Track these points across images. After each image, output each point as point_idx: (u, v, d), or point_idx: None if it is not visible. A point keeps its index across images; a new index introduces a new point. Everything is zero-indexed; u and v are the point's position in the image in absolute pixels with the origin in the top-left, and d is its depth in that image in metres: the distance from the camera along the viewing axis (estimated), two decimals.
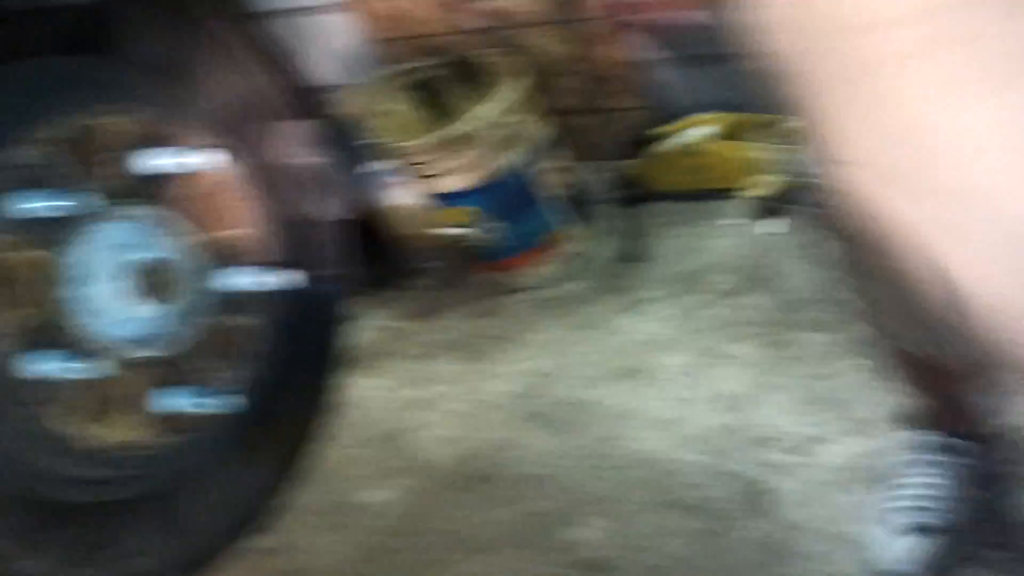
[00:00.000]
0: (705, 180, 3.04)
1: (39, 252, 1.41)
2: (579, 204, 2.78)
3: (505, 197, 2.60)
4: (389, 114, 2.70)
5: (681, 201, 2.84)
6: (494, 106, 2.54)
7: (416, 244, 2.64)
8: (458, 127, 2.54)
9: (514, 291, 2.68)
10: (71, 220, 1.43)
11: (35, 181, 1.42)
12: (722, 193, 2.80)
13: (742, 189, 2.85)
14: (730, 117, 3.18)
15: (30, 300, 1.39)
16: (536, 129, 2.66)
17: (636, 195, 2.84)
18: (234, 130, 1.57)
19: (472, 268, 2.73)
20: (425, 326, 2.67)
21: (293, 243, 1.59)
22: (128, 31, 1.49)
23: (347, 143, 2.24)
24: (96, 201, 1.42)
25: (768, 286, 2.48)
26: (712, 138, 3.03)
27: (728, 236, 2.72)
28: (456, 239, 2.62)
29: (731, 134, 3.13)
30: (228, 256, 1.53)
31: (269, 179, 1.60)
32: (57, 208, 1.40)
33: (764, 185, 2.82)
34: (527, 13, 2.83)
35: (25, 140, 1.41)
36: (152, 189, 1.48)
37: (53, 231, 1.42)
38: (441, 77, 2.79)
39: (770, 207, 2.67)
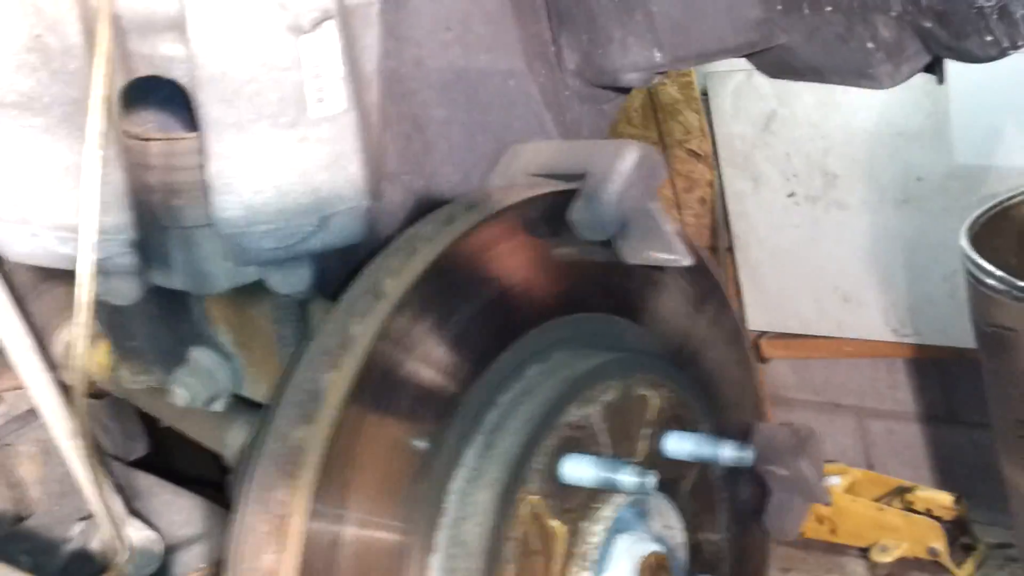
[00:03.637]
0: (827, 532, 3.23)
1: (556, 523, 1.27)
2: None
3: None
4: None
5: (800, 548, 2.43)
6: None
7: None
8: None
9: None
10: (599, 494, 1.29)
11: (579, 445, 1.29)
12: (843, 549, 3.01)
13: (867, 549, 3.17)
14: (857, 472, 3.35)
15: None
16: None
17: None
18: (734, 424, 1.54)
19: None
20: None
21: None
22: (658, 302, 1.50)
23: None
24: (633, 478, 1.22)
25: None
26: (836, 489, 3.16)
27: None
28: None
29: (855, 490, 3.29)
30: (695, 560, 1.46)
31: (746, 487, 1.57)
32: (603, 480, 1.24)
33: (890, 551, 3.16)
34: None
35: (584, 400, 1.30)
36: (671, 475, 1.39)
37: (580, 503, 1.29)
38: None
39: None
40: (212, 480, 2.08)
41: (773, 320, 3.71)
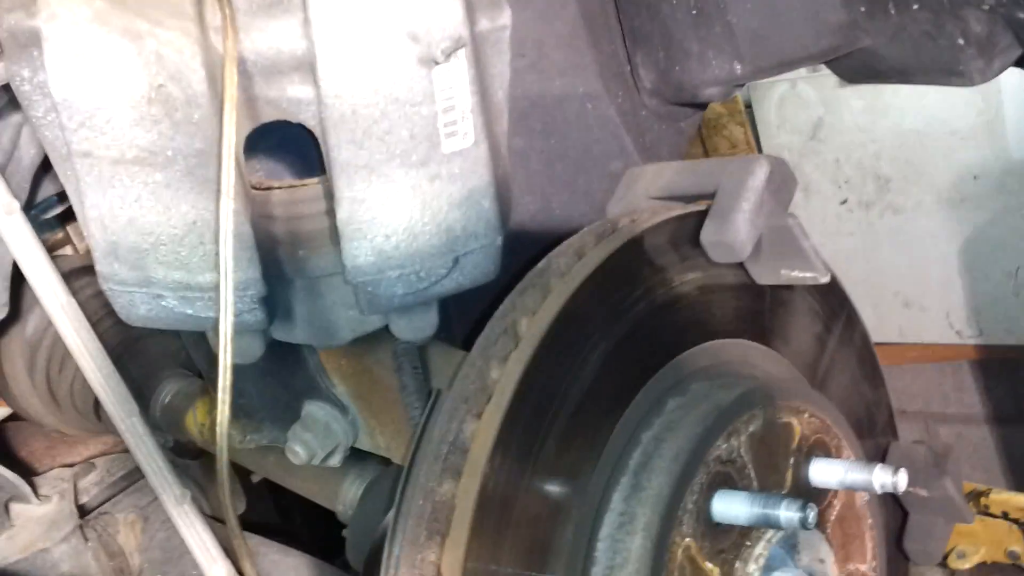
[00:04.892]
0: None
1: (710, 565, 1.20)
2: None
3: None
4: None
5: None
6: None
7: None
8: None
9: None
10: (750, 531, 1.22)
11: (728, 481, 1.21)
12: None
13: (945, 556, 3.06)
14: None
15: None
16: None
17: None
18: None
19: None
20: None
21: None
22: (789, 323, 1.44)
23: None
24: (793, 513, 1.14)
25: None
26: None
27: None
28: None
29: None
30: None
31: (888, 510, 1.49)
32: (759, 517, 1.16)
33: (968, 557, 3.08)
34: None
35: (729, 432, 1.22)
36: (819, 505, 1.25)
37: (733, 542, 1.22)
38: None
39: None
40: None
41: None
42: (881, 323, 3.50)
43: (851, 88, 3.25)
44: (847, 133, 3.36)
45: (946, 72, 1.70)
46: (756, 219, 1.24)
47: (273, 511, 2.12)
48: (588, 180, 1.67)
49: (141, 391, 1.49)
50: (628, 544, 1.15)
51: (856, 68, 1.82)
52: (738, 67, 1.66)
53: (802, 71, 3.19)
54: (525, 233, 1.60)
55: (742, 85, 1.80)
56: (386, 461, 1.36)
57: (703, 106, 1.89)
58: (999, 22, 1.59)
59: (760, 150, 3.50)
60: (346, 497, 1.40)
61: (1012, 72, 1.93)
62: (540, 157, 1.63)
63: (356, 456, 1.38)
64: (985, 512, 3.26)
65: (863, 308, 3.47)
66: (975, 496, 3.32)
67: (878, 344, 3.48)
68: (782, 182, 1.28)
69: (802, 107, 3.41)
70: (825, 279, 1.27)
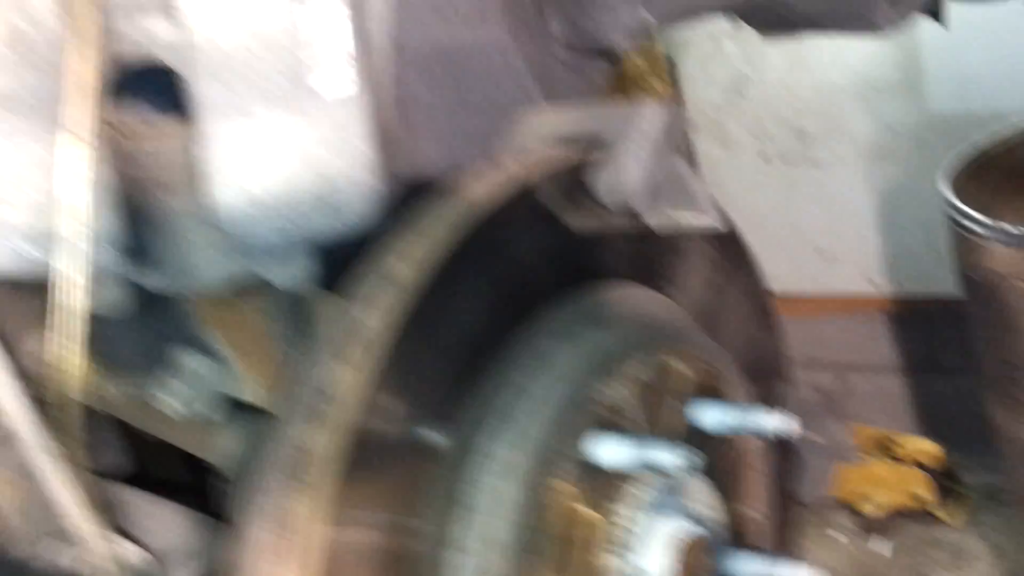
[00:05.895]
0: None
1: (590, 512, 1.18)
2: None
3: None
4: None
5: None
6: None
7: None
8: None
9: None
10: (634, 476, 1.20)
11: (611, 425, 1.18)
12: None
13: (853, 502, 3.10)
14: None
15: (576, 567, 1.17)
16: None
17: None
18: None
19: None
20: None
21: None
22: (683, 270, 1.45)
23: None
24: (675, 458, 1.14)
25: None
26: None
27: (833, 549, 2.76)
28: None
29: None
30: (737, 539, 1.38)
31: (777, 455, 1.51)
32: (641, 461, 1.15)
33: (878, 503, 3.09)
34: None
35: (613, 376, 1.20)
36: (708, 450, 1.28)
37: (614, 487, 1.20)
38: None
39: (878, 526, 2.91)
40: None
41: None
42: (798, 275, 3.52)
43: (774, 44, 3.26)
44: (769, 88, 3.37)
45: (856, 19, 1.70)
46: (647, 163, 1.23)
47: (181, 465, 2.08)
48: (494, 130, 1.65)
49: (15, 340, 1.44)
50: (501, 489, 1.14)
51: (770, 20, 1.81)
52: (644, 13, 1.65)
53: (725, 27, 3.19)
54: (428, 182, 1.59)
55: (651, 32, 1.79)
56: (266, 411, 1.34)
57: (615, 56, 1.87)
58: None
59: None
60: (226, 449, 1.38)
61: (932, 26, 1.95)
62: (444, 106, 1.60)
63: (235, 407, 1.36)
64: (895, 458, 3.32)
65: (781, 260, 3.51)
66: (886, 442, 3.38)
67: (794, 296, 3.53)
68: (672, 127, 1.27)
69: (725, 63, 3.40)
70: (716, 224, 1.27)
